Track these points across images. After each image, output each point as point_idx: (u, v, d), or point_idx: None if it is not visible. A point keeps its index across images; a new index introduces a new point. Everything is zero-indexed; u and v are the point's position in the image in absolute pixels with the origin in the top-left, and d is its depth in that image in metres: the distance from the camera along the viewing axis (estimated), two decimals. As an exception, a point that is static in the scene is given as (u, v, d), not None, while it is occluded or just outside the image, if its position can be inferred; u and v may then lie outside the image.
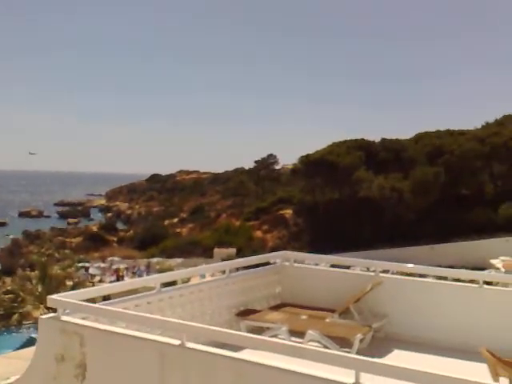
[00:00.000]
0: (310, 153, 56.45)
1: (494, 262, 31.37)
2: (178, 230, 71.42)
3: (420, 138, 57.09)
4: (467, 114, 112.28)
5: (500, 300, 6.47)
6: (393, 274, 7.69)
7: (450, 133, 56.26)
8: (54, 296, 4.71)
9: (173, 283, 6.77)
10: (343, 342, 6.08)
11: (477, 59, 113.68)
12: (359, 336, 6.00)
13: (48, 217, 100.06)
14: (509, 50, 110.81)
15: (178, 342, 3.97)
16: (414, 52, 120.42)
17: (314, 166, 53.45)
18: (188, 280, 11.11)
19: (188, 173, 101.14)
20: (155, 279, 6.13)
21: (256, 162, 80.00)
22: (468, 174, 49.66)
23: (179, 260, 47.08)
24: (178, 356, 3.99)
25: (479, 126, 63.33)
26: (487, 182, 51.23)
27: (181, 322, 4.25)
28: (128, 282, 6.60)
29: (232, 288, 6.91)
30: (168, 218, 78.82)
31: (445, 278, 7.56)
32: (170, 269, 36.06)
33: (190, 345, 3.94)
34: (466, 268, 29.04)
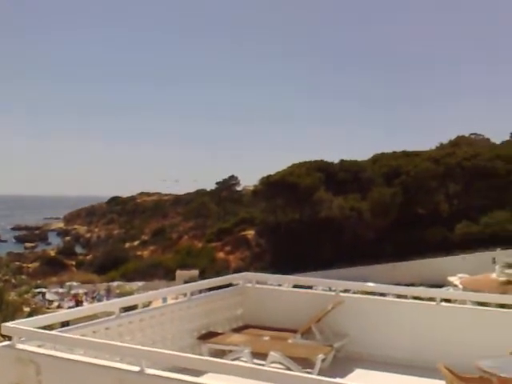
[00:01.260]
0: (271, 174, 56.91)
1: (452, 279, 32.11)
2: (139, 253, 70.44)
3: (377, 159, 58.39)
4: (422, 135, 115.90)
5: (457, 317, 6.62)
6: (354, 293, 7.77)
7: (406, 154, 57.77)
8: (9, 323, 4.56)
9: (134, 308, 6.65)
10: (305, 363, 6.08)
11: (434, 84, 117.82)
12: (321, 356, 6.01)
13: (4, 241, 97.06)
14: (464, 77, 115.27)
15: (137, 369, 3.90)
16: (373, 74, 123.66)
17: (275, 186, 53.83)
18: (149, 304, 10.94)
19: (149, 195, 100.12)
20: (114, 304, 6.00)
21: (217, 183, 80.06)
22: (424, 193, 50.96)
23: (140, 283, 46.30)
24: (138, 383, 3.91)
25: (434, 147, 65.45)
26: (443, 201, 52.63)
27: (139, 347, 4.18)
28: (86, 308, 6.46)
29: (193, 311, 6.83)
30: (129, 241, 77.68)
31: (404, 297, 7.67)
32: (131, 293, 35.38)
33: (149, 371, 3.87)
34: (425, 286, 29.70)
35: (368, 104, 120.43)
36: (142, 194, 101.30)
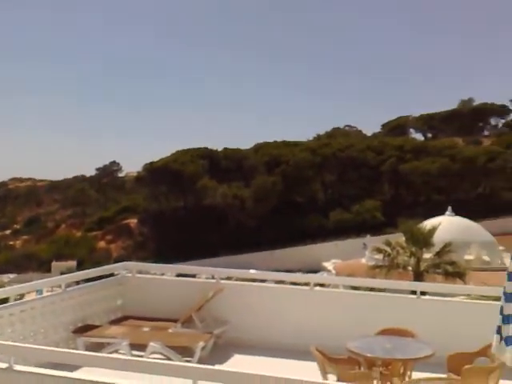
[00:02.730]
0: (155, 160, 56.05)
1: (326, 264, 33.97)
2: (11, 243, 66.13)
3: (259, 148, 59.83)
4: (301, 125, 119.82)
5: (329, 300, 7.01)
6: (237, 280, 7.92)
7: (285, 144, 59.82)
8: None
9: (5, 302, 6.25)
10: (186, 351, 6.12)
11: (312, 75, 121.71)
12: (201, 344, 6.08)
13: None
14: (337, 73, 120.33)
15: (5, 365, 3.71)
16: (254, 62, 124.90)
17: (159, 173, 53.12)
18: (21, 297, 10.31)
19: (22, 180, 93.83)
20: (-21, 299, 5.62)
21: (98, 169, 77.21)
22: (302, 182, 53.13)
23: (12, 276, 43.57)
24: (6, 380, 3.73)
25: (311, 138, 68.56)
26: (319, 190, 55.25)
27: (6, 343, 3.97)
28: None
29: (69, 303, 6.59)
30: (-2, 230, 72.63)
31: (283, 282, 7.95)
32: (1, 286, 33.19)
33: (18, 367, 3.70)
34: (303, 271, 31.10)
35: (249, 91, 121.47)
36: (13, 179, 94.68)
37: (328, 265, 33.76)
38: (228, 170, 54.71)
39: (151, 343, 6.05)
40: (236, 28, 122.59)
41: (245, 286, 7.43)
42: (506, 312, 4.28)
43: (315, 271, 30.74)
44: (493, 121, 77.06)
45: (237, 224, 49.55)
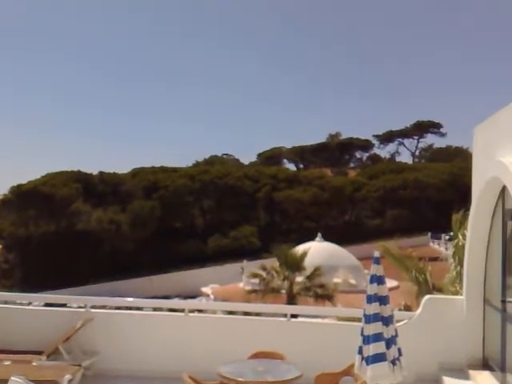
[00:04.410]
0: (23, 183, 52.74)
1: (204, 289, 33.95)
2: None
3: (137, 172, 58.91)
4: (179, 152, 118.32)
5: (204, 326, 7.05)
6: (111, 308, 7.68)
7: (164, 169, 59.52)
8: None
9: None
10: (52, 385, 5.80)
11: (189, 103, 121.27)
12: (67, 377, 5.80)
13: None
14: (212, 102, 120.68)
15: None
16: (134, 90, 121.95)
17: (27, 197, 50.02)
18: None
19: None
20: None
21: (-44, 191, 70.75)
22: (181, 208, 53.04)
23: None
24: None
25: (190, 164, 69.07)
26: (198, 215, 55.46)
27: None
28: None
29: None
30: None
31: (160, 309, 7.84)
32: None
33: None
34: (182, 297, 30.75)
35: (121, 117, 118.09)
36: None
37: (206, 290, 33.77)
38: (104, 195, 52.97)
39: (12, 377, 5.63)
40: (112, 51, 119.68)
41: (117, 315, 7.23)
42: (365, 333, 4.57)
43: (194, 296, 30.59)
44: (358, 154, 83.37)
45: (113, 250, 47.90)
